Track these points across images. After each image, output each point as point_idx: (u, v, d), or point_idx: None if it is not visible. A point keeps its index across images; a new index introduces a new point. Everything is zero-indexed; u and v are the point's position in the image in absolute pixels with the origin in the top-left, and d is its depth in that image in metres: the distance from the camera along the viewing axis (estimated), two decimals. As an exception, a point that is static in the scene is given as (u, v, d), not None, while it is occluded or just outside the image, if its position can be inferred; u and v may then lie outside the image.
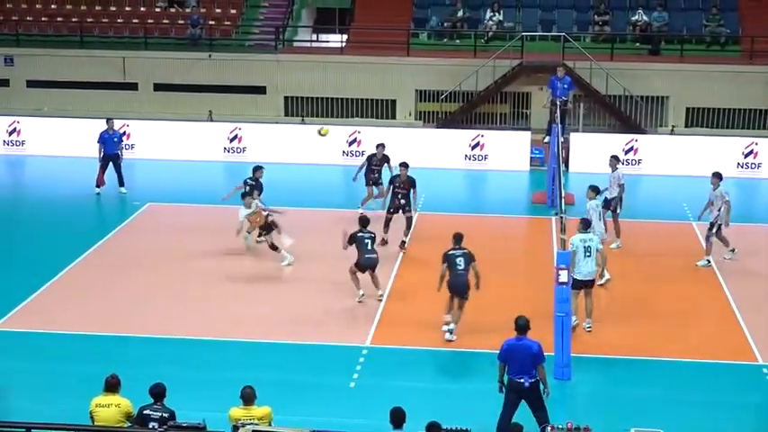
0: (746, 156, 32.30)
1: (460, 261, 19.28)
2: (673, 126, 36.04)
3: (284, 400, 16.32)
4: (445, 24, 38.66)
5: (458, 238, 19.75)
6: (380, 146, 26.99)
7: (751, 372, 18.56)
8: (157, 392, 13.98)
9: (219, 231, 24.90)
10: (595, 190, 22.74)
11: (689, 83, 36.08)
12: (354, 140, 33.23)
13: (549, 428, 13.92)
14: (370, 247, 21.06)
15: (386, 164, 26.88)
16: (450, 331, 19.43)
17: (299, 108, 37.38)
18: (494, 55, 35.79)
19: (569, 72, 33.82)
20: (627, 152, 32.45)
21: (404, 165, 24.87)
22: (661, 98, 36.50)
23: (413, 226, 24.78)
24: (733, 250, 23.99)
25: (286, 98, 37.48)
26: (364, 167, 27.02)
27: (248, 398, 14.03)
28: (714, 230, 23.51)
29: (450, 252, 19.49)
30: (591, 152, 31.27)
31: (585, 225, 20.21)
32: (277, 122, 35.72)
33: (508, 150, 32.91)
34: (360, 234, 21.12)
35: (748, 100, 35.90)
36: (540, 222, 27.24)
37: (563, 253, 17.85)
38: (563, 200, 20.67)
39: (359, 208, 26.36)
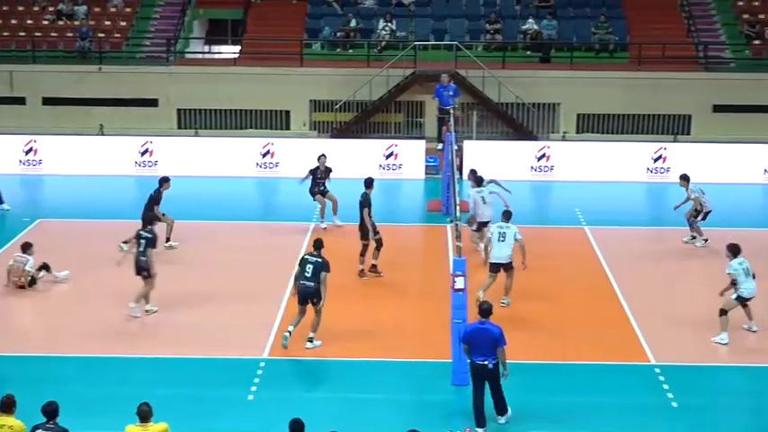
0: (656, 161, 32.96)
1: (309, 268, 19.14)
2: (564, 132, 36.55)
3: (182, 415, 16.12)
4: (338, 34, 38.70)
5: (316, 244, 19.69)
6: (322, 157, 27.01)
7: (644, 372, 18.86)
8: (50, 411, 13.68)
9: (110, 245, 24.60)
10: (477, 180, 24.45)
11: (579, 90, 36.63)
12: (268, 152, 33.15)
13: (449, 435, 14.14)
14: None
15: (329, 175, 26.99)
16: (311, 339, 19.35)
17: (193, 120, 37.07)
18: (387, 64, 35.92)
19: (455, 79, 34.07)
20: (539, 158, 33.02)
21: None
22: (552, 105, 37.01)
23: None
24: (704, 239, 25.73)
25: (179, 110, 37.12)
26: (309, 179, 26.95)
27: (144, 415, 13.82)
28: (699, 218, 25.49)
29: (305, 256, 19.54)
30: (485, 159, 31.54)
31: (507, 216, 21.48)
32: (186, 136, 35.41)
33: (403, 158, 33.06)
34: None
35: (637, 106, 36.58)
36: (436, 230, 27.36)
37: (458, 260, 17.92)
38: (458, 207, 20.86)
39: (320, 222, 26.88)
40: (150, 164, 33.17)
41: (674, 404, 17.57)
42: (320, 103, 37.13)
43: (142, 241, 20.80)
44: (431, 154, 33.37)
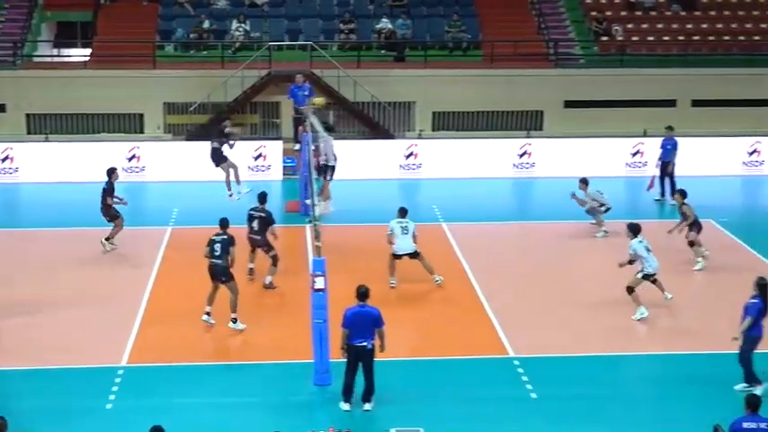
0: (521, 156, 33.55)
1: (217, 247, 19.95)
2: (420, 130, 36.84)
3: (39, 427, 15.73)
4: (191, 36, 38.25)
5: (222, 222, 20.56)
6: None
7: (503, 365, 19.13)
8: None
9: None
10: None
11: (434, 88, 36.95)
12: (133, 156, 32.67)
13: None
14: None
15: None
16: (235, 320, 20.12)
17: (43, 125, 36.17)
18: (242, 65, 35.66)
19: (309, 79, 34.03)
20: (407, 157, 33.33)
21: None
22: (408, 103, 37.26)
23: None
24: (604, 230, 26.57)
25: (28, 116, 36.17)
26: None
27: (1, 429, 13.45)
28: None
29: (213, 237, 20.26)
30: (342, 159, 31.53)
31: (403, 213, 22.77)
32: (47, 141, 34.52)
33: (263, 159, 32.96)
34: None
35: (491, 103, 37.11)
36: (295, 231, 27.27)
37: (318, 260, 17.90)
38: (316, 207, 20.82)
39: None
40: (11, 170, 32.51)
41: (534, 395, 17.87)
42: (174, 105, 36.64)
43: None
44: (288, 154, 33.25)
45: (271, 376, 18.59)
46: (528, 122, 37.37)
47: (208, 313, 20.34)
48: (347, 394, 17.18)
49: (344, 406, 17.19)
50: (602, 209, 26.67)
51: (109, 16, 39.21)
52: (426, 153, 33.51)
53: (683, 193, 24.82)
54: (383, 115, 36.75)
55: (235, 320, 20.11)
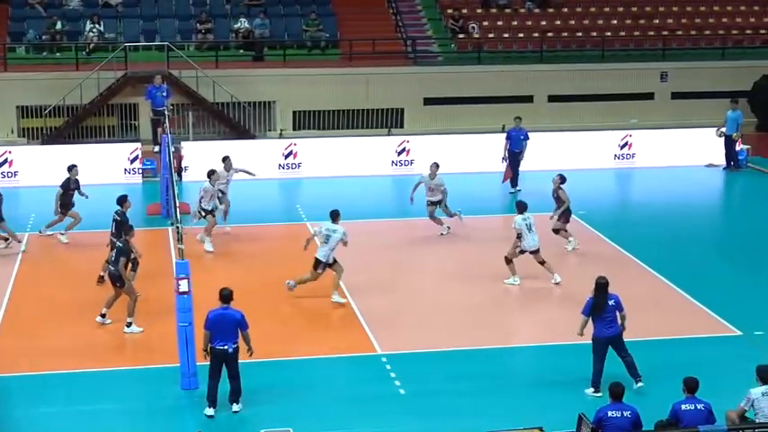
0: (400, 153, 33.50)
1: (113, 253, 20.37)
2: (281, 130, 36.75)
3: None
4: (44, 37, 37.39)
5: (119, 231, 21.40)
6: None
7: (372, 362, 19.19)
8: None
9: None
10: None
11: (294, 87, 36.93)
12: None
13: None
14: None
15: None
16: (129, 324, 20.16)
17: None
18: (97, 67, 35.06)
19: (167, 80, 33.59)
20: (287, 156, 32.95)
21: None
22: (268, 103, 37.14)
23: None
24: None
25: None
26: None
27: None
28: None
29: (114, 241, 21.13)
30: (204, 160, 31.22)
31: (334, 216, 22.01)
32: None
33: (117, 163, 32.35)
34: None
35: (351, 101, 37.22)
36: (157, 233, 26.88)
37: (181, 263, 17.66)
38: (178, 209, 20.60)
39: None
40: None
41: (402, 391, 17.96)
42: (28, 108, 35.81)
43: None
44: (147, 156, 32.74)
45: (136, 382, 18.26)
46: (389, 120, 37.59)
47: (103, 314, 20.43)
48: (211, 399, 16.91)
49: (208, 411, 16.86)
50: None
51: (-44, 18, 38.14)
52: (304, 152, 33.07)
53: (563, 178, 25.18)
54: (243, 115, 36.53)
55: (129, 324, 20.11)
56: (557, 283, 22.76)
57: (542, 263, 22.81)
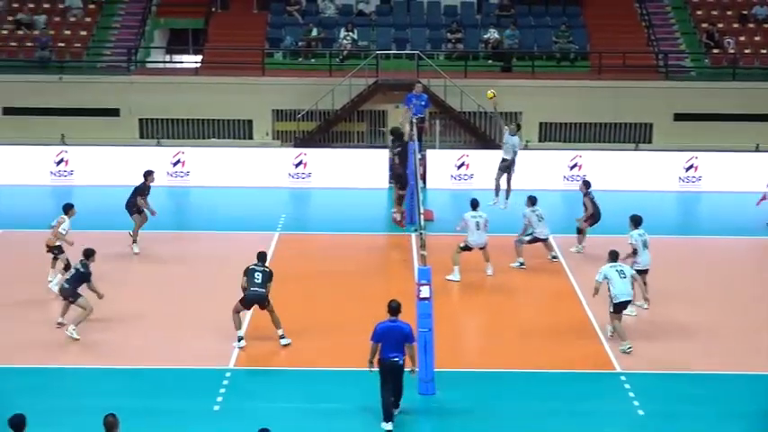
0: (572, 168, 33.18)
1: (258, 276, 19.89)
2: (527, 141, 36.66)
3: (147, 427, 16.03)
4: (300, 44, 38.65)
5: (260, 256, 20.49)
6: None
7: (610, 380, 18.94)
8: (17, 423, 13.56)
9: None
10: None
11: (541, 98, 36.76)
12: (178, 161, 33.11)
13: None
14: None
15: None
16: (282, 336, 19.97)
17: (155, 130, 36.87)
18: (349, 74, 35.91)
19: (426, 89, 34.03)
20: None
21: None
22: (514, 114, 37.09)
23: None
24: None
25: (141, 120, 36.92)
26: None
27: (111, 426, 13.74)
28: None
29: (252, 267, 20.08)
30: (448, 168, 31.65)
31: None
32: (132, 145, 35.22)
33: (368, 168, 33.12)
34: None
35: (598, 114, 36.79)
36: (401, 239, 27.34)
37: (424, 269, 17.92)
38: (422, 216, 20.88)
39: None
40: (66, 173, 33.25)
41: (641, 412, 17.65)
42: (283, 112, 37.03)
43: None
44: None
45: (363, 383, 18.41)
46: (637, 135, 36.95)
47: (240, 337, 20.09)
48: (388, 413, 16.77)
49: (387, 426, 16.78)
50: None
51: (220, 24, 39.88)
52: (547, 164, 33.00)
53: (587, 185, 25.54)
54: (490, 125, 36.66)
55: (283, 336, 20.08)
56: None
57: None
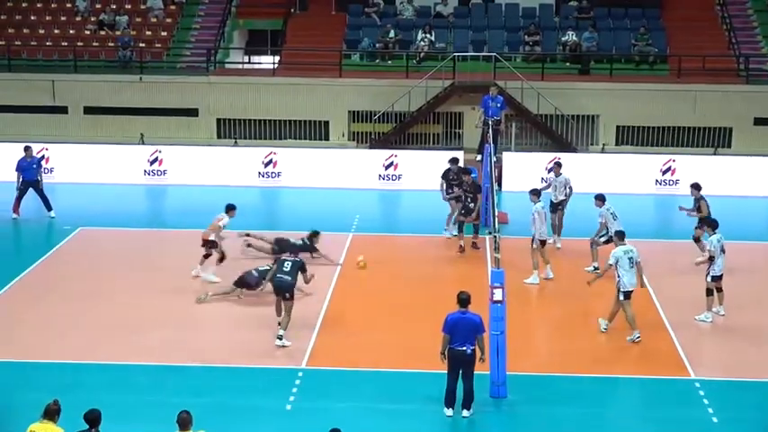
0: (664, 173, 32.74)
1: (287, 265, 20.14)
2: (604, 144, 36.43)
3: (220, 424, 16.18)
4: (377, 45, 38.79)
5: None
6: (454, 159, 27.28)
7: (684, 386, 18.74)
8: (92, 419, 13.77)
9: (151, 255, 24.99)
10: (536, 193, 24.05)
11: (619, 101, 36.52)
12: (270, 161, 33.20)
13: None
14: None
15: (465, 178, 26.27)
16: (280, 337, 19.95)
17: (232, 130, 37.27)
18: (426, 75, 35.97)
19: (502, 92, 33.98)
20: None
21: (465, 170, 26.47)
22: (591, 117, 36.90)
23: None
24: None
25: (219, 120, 37.34)
26: (443, 185, 27.10)
27: (184, 423, 13.88)
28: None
29: (283, 257, 20.55)
30: (523, 171, 31.52)
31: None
32: (210, 144, 35.61)
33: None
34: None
35: (677, 118, 36.41)
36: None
37: (497, 272, 17.89)
38: (496, 219, 20.84)
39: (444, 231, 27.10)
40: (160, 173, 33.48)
41: (715, 419, 17.46)
42: (359, 113, 37.22)
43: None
44: (470, 165, 33.23)
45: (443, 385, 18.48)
46: (716, 139, 36.50)
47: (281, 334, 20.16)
48: (450, 399, 17.23)
49: (448, 411, 17.25)
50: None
51: (298, 25, 40.19)
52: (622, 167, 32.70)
53: (698, 187, 24.68)
54: (566, 128, 36.48)
55: (281, 337, 19.97)
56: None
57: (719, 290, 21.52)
